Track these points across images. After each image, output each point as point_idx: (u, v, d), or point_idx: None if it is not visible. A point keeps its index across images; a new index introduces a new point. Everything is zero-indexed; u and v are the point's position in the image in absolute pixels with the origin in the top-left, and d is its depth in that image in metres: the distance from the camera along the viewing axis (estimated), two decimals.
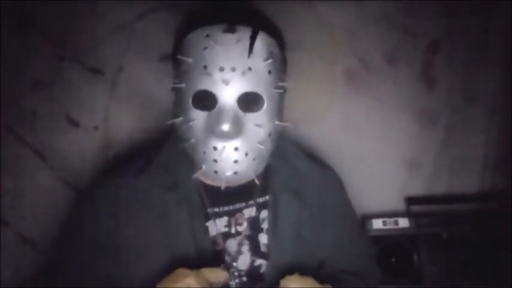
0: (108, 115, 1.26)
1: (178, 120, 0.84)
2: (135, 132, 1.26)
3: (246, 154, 0.82)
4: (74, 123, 1.25)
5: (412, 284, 1.26)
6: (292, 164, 0.97)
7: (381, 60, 1.33)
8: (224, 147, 0.80)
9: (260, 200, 0.93)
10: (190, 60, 0.80)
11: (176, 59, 0.84)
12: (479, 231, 1.28)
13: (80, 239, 0.88)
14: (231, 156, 0.81)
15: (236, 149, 0.81)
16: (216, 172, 0.82)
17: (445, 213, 1.31)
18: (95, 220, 0.88)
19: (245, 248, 0.91)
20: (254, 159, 0.83)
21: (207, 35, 0.79)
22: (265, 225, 0.92)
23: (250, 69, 0.79)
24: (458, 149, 1.37)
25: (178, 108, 0.85)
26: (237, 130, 0.80)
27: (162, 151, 0.93)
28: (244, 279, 0.90)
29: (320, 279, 0.83)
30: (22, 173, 1.23)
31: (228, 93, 0.79)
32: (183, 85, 0.82)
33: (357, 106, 1.34)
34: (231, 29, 0.79)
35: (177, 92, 0.85)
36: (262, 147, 0.83)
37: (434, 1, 1.31)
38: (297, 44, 1.29)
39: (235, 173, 0.82)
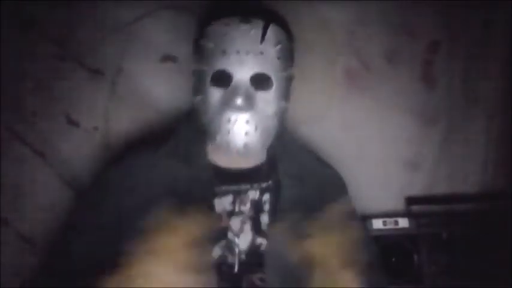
0: (108, 115, 1.26)
1: (197, 98, 0.96)
2: (135, 133, 1.26)
3: (256, 127, 0.93)
4: (73, 123, 1.25)
5: (412, 284, 1.26)
6: (296, 157, 1.06)
7: (381, 60, 1.33)
8: (237, 119, 0.91)
9: (264, 184, 1.01)
10: (212, 44, 0.92)
11: (198, 45, 0.97)
12: (479, 231, 1.28)
13: (97, 217, 0.95)
14: (243, 128, 0.92)
15: (247, 121, 0.92)
16: (228, 143, 0.93)
17: (445, 213, 1.31)
18: (114, 199, 0.95)
19: (247, 227, 0.98)
20: (262, 133, 0.94)
21: (227, 24, 0.92)
22: (266, 207, 1.00)
23: (262, 53, 0.92)
24: (458, 149, 1.37)
25: (198, 88, 0.96)
26: (249, 104, 0.91)
27: (178, 131, 1.03)
28: (243, 256, 0.97)
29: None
30: (22, 172, 1.23)
31: (243, 72, 0.91)
32: (203, 67, 0.94)
33: (357, 106, 1.34)
34: (246, 20, 0.92)
35: (197, 75, 0.97)
36: (268, 122, 0.94)
37: (434, 1, 1.32)
38: (297, 44, 1.29)
39: (246, 144, 0.93)
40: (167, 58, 1.28)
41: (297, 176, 1.02)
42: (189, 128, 1.01)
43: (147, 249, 0.87)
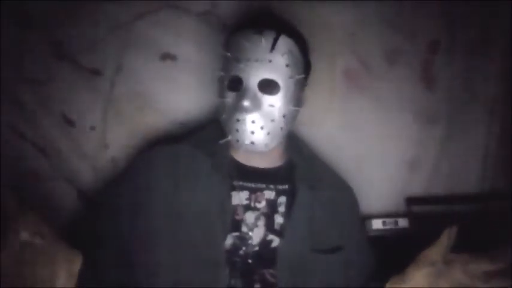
0: (106, 115, 1.26)
1: (218, 100, 1.07)
2: (133, 133, 1.26)
3: (262, 127, 1.01)
4: (71, 123, 1.25)
5: None
6: (312, 164, 1.14)
7: (381, 60, 1.33)
8: (244, 119, 1.01)
9: (280, 187, 1.09)
10: (228, 54, 1.04)
11: (221, 55, 1.07)
12: (479, 231, 1.28)
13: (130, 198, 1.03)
14: (249, 127, 1.01)
15: (253, 121, 1.01)
16: (237, 141, 1.02)
17: (445, 213, 1.31)
18: (151, 182, 1.04)
19: (261, 223, 1.05)
20: (268, 133, 1.02)
21: (241, 36, 1.03)
22: (281, 209, 1.08)
23: (270, 61, 1.01)
24: (458, 149, 1.37)
25: (219, 92, 1.07)
26: (255, 106, 1.00)
27: (206, 128, 1.14)
28: (257, 248, 1.04)
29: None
30: (22, 172, 1.22)
31: (251, 77, 1.01)
32: (222, 73, 1.05)
33: (357, 106, 1.34)
34: (259, 31, 1.02)
35: (220, 80, 1.07)
36: (274, 123, 1.02)
37: (434, 1, 1.32)
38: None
39: (252, 142, 1.02)
40: (166, 57, 1.28)
41: (311, 183, 1.09)
42: (215, 126, 1.10)
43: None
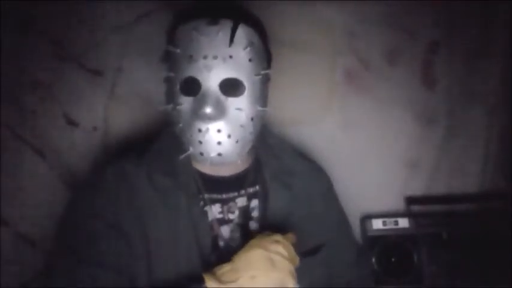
0: (107, 115, 1.26)
1: (168, 107, 0.91)
2: (134, 133, 1.26)
3: (229, 136, 0.88)
4: (73, 123, 1.25)
5: (412, 284, 1.26)
6: (281, 158, 1.03)
7: (381, 60, 1.33)
8: (208, 128, 0.87)
9: (250, 190, 0.98)
10: (178, 50, 0.88)
11: (167, 52, 0.92)
12: (479, 231, 1.28)
13: (86, 225, 0.89)
14: (215, 137, 0.87)
15: (219, 130, 0.87)
16: (201, 154, 0.88)
17: (445, 213, 1.31)
18: (100, 205, 0.90)
19: (236, 235, 0.95)
20: (237, 141, 0.89)
21: (193, 28, 0.87)
22: (255, 214, 0.98)
23: (231, 57, 0.87)
24: (458, 149, 1.37)
25: (168, 96, 0.92)
26: (219, 112, 0.86)
27: (159, 140, 0.99)
28: None
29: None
30: (22, 172, 1.23)
31: (211, 78, 0.86)
32: (172, 74, 0.89)
33: (357, 106, 1.34)
34: (213, 22, 0.87)
35: (168, 82, 0.92)
36: (243, 129, 0.89)
37: (434, 1, 1.32)
38: (297, 44, 1.29)
39: (219, 154, 0.88)
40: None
41: (283, 178, 0.99)
42: (170, 137, 0.96)
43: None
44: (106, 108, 1.26)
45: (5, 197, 1.21)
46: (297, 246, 0.86)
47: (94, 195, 0.91)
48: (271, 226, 0.93)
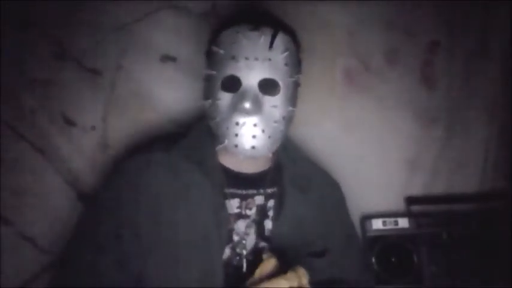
0: (107, 115, 1.26)
1: (206, 102, 0.99)
2: (133, 132, 1.27)
3: (263, 131, 0.95)
4: (71, 122, 1.25)
5: (412, 284, 1.26)
6: (299, 163, 1.10)
7: (381, 60, 1.34)
8: (245, 122, 0.94)
9: (269, 190, 1.04)
10: (222, 51, 0.96)
11: (210, 51, 1.00)
12: (479, 231, 1.28)
13: (113, 216, 0.96)
14: (250, 131, 0.95)
15: (255, 125, 0.95)
16: (236, 146, 0.95)
17: (445, 213, 1.31)
18: (129, 195, 0.97)
19: (252, 231, 1.01)
20: (269, 137, 0.96)
21: (237, 32, 0.96)
22: (271, 213, 1.03)
23: (270, 59, 0.95)
24: (458, 149, 1.37)
25: (208, 92, 1.00)
26: (257, 108, 0.94)
27: (190, 132, 1.06)
28: (250, 257, 0.99)
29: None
30: (22, 171, 1.23)
31: (251, 77, 0.95)
32: (213, 72, 0.97)
33: (357, 106, 1.34)
34: (256, 28, 0.96)
35: (208, 79, 1.00)
36: (276, 126, 0.97)
37: (434, 1, 1.32)
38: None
39: (253, 147, 0.95)
40: (166, 58, 1.28)
41: (300, 183, 1.05)
42: (201, 131, 1.04)
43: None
44: (105, 107, 1.26)
45: (5, 196, 1.21)
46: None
47: (117, 190, 0.98)
48: (283, 225, 1.01)
